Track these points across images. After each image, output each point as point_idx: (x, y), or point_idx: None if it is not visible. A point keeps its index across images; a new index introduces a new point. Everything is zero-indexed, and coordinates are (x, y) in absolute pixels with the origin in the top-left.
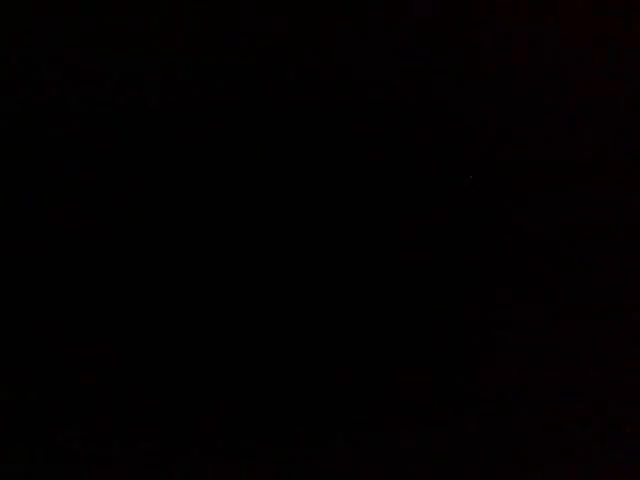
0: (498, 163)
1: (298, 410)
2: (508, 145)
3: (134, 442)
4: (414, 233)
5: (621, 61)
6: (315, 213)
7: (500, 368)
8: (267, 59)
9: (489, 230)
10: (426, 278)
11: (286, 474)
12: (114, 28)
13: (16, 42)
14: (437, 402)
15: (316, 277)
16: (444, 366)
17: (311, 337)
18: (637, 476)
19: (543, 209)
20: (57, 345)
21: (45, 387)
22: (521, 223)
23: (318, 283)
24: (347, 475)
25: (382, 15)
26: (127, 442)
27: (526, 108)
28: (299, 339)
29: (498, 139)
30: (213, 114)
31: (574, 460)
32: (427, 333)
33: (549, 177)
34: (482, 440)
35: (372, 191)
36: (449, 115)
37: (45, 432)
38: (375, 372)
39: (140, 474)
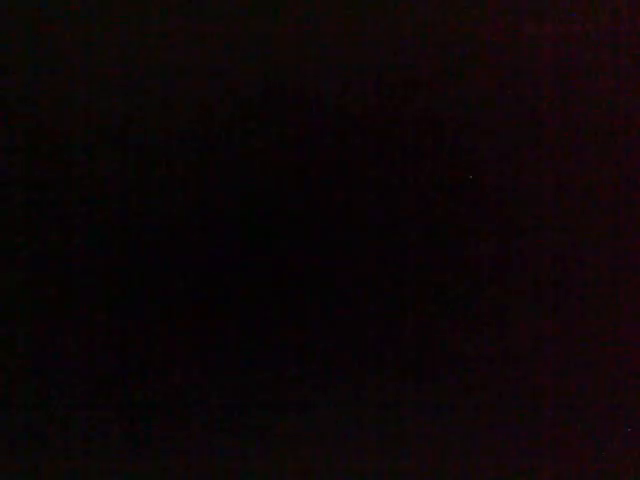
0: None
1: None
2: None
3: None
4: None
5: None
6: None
7: (499, 367)
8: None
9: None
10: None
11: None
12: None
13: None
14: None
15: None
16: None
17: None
18: (637, 476)
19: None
20: (56, 343)
21: (45, 385)
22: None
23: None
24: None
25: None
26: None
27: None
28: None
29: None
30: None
31: (574, 459)
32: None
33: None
34: (481, 430)
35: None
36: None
37: (44, 430)
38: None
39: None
